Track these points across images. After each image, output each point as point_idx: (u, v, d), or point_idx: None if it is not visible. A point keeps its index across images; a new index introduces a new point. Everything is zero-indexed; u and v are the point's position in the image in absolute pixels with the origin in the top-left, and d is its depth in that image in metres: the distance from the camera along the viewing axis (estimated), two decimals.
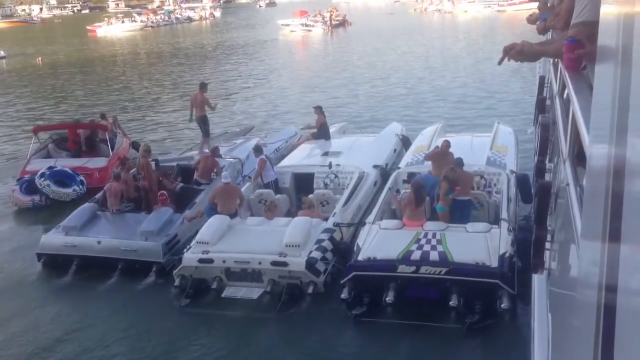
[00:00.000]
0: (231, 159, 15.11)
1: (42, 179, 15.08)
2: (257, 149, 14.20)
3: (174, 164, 15.03)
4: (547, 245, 5.20)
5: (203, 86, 16.94)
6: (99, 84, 37.77)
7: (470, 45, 42.87)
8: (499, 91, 26.42)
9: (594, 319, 1.81)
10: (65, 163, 16.38)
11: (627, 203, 1.55)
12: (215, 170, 13.96)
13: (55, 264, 11.85)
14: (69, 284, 11.42)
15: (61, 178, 15.39)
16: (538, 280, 5.32)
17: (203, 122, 16.74)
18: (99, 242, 11.73)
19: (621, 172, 1.63)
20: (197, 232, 11.32)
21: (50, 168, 15.49)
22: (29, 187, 15.28)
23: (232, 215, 11.85)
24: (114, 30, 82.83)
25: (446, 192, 10.90)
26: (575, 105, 3.79)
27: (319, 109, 17.00)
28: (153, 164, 14.26)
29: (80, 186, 15.43)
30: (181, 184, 13.75)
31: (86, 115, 25.01)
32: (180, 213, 12.48)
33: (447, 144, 12.71)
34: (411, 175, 12.52)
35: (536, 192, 6.57)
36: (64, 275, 11.57)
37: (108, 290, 11.09)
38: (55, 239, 12.03)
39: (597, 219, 1.96)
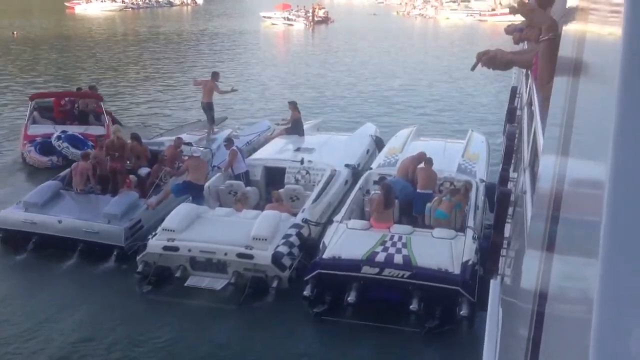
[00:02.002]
0: (201, 149, 14.98)
1: (60, 141, 15.97)
2: (229, 140, 14.11)
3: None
4: (503, 252, 5.30)
5: (215, 75, 17.41)
6: (76, 60, 37.15)
7: (450, 52, 43.15)
8: (477, 98, 26.65)
9: (527, 326, 1.83)
10: (58, 130, 16.64)
11: (564, 215, 1.56)
12: (176, 162, 13.75)
13: (13, 240, 11.62)
14: (26, 262, 11.19)
15: (74, 142, 16.08)
16: (493, 286, 5.42)
17: (209, 109, 17.19)
18: (59, 221, 11.50)
19: (561, 183, 1.66)
20: (161, 219, 11.22)
21: (64, 132, 16.28)
22: (43, 148, 16.13)
23: (200, 188, 12.09)
24: (93, 8, 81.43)
25: (447, 198, 11.02)
26: (537, 116, 3.84)
27: (293, 105, 16.94)
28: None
29: (92, 149, 15.39)
30: (149, 169, 13.54)
31: (60, 89, 24.53)
32: (144, 198, 12.33)
33: (423, 156, 12.70)
34: (382, 177, 12.55)
35: (496, 199, 6.69)
36: (21, 252, 11.35)
37: (66, 271, 10.90)
38: (15, 214, 11.78)
39: (539, 228, 1.99)
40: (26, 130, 17.22)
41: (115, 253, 11.12)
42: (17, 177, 16.03)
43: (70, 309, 9.67)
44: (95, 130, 17.04)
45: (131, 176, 13.04)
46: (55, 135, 16.21)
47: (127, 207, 11.81)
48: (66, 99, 18.95)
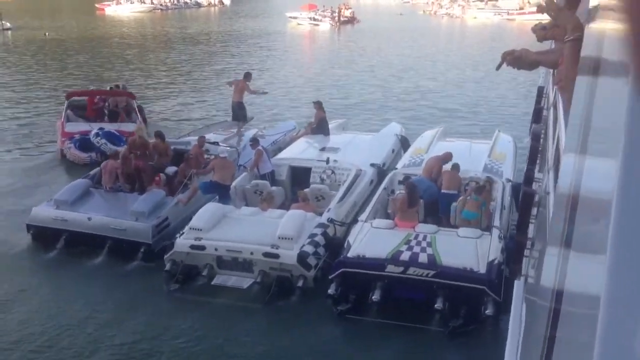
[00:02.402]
0: (227, 147, 15.11)
1: (99, 138, 16.45)
2: (254, 140, 14.21)
3: (171, 147, 14.99)
4: (527, 252, 5.28)
5: (247, 75, 17.80)
6: (106, 60, 37.67)
7: (477, 51, 42.80)
8: (505, 99, 26.40)
9: (545, 325, 1.85)
10: (95, 127, 17.19)
11: (579, 215, 1.57)
12: (201, 161, 13.88)
13: (44, 236, 11.85)
14: (57, 258, 11.43)
15: (111, 138, 16.55)
16: (517, 287, 5.41)
17: (239, 108, 17.51)
18: (89, 219, 11.72)
19: (578, 183, 1.67)
20: (188, 217, 11.37)
21: (101, 129, 16.83)
22: (82, 145, 16.71)
23: (227, 188, 12.17)
24: (123, 10, 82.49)
25: (473, 197, 11.00)
26: (560, 116, 3.82)
27: (318, 104, 16.98)
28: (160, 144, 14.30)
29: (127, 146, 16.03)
30: (176, 168, 13.71)
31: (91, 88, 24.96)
32: (172, 196, 12.48)
33: (449, 156, 12.72)
34: (407, 176, 12.54)
35: (520, 199, 6.66)
36: (52, 249, 11.58)
37: (95, 268, 11.10)
38: (46, 211, 12.02)
39: (558, 228, 1.99)
40: (63, 127, 17.77)
41: (142, 250, 11.28)
42: (57, 173, 16.51)
43: (99, 305, 9.85)
44: (128, 127, 17.51)
45: (160, 174, 13.21)
46: (93, 132, 16.69)
47: (154, 205, 11.98)
48: (98, 97, 19.57)
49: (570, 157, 2.29)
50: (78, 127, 17.79)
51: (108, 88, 21.10)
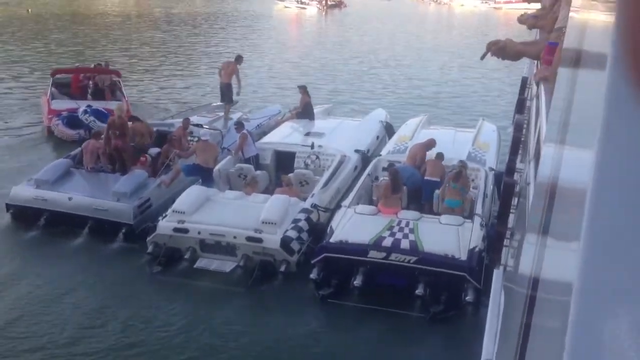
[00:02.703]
0: (211, 130, 15.03)
1: (87, 115, 16.50)
2: (239, 124, 14.15)
3: (154, 129, 14.91)
4: (506, 242, 5.34)
5: (239, 58, 17.67)
6: (90, 39, 37.18)
7: (463, 39, 42.87)
8: (490, 88, 26.50)
9: (521, 312, 1.88)
10: (83, 105, 17.20)
11: (556, 205, 1.59)
12: (184, 143, 13.80)
13: (24, 216, 11.75)
14: (37, 239, 11.35)
15: (99, 116, 16.45)
16: (496, 275, 5.48)
17: (227, 90, 17.37)
18: (70, 199, 11.64)
19: (556, 174, 1.69)
20: (170, 198, 11.38)
21: (89, 106, 16.88)
22: (69, 122, 16.71)
23: (209, 170, 12.16)
24: None
25: (452, 185, 11.04)
26: (542, 107, 3.85)
27: (303, 89, 16.93)
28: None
29: None
30: (158, 149, 13.64)
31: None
32: (154, 177, 12.43)
33: (432, 142, 12.79)
34: (391, 163, 12.57)
35: (501, 190, 6.73)
36: (32, 229, 11.49)
37: (76, 248, 11.04)
38: (26, 191, 11.91)
39: (536, 217, 2.02)
40: (49, 105, 17.73)
41: (123, 231, 11.24)
42: (43, 150, 16.46)
43: (80, 285, 9.80)
44: (114, 105, 16.95)
45: (146, 155, 13.15)
46: (81, 110, 16.75)
47: (136, 185, 11.92)
48: (82, 75, 19.49)
49: (549, 148, 2.31)
50: (64, 104, 17.75)
51: (92, 66, 20.91)
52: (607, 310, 0.90)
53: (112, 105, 17.14)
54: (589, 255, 0.94)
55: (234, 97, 17.67)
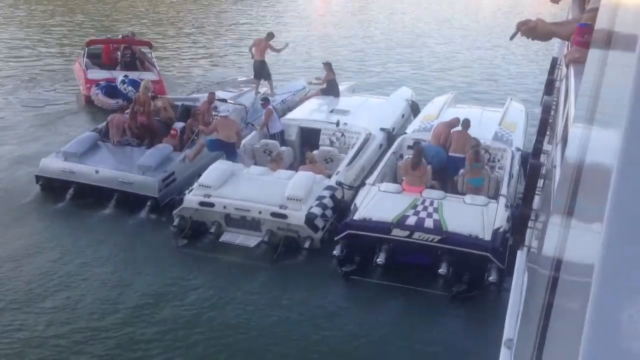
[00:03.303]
0: (236, 105, 15.06)
1: (125, 85, 17.24)
2: (265, 99, 14.15)
3: (180, 103, 15.01)
4: (531, 223, 5.30)
5: (269, 35, 17.83)
6: (115, 10, 37.32)
7: (493, 17, 42.17)
8: (520, 67, 26.04)
9: (544, 292, 1.87)
10: (119, 75, 17.93)
11: (582, 189, 1.57)
12: (208, 118, 13.88)
13: (52, 188, 11.98)
14: (64, 210, 11.57)
15: (136, 85, 16.66)
16: (519, 257, 5.46)
17: (261, 67, 17.54)
18: (97, 171, 11.81)
19: (583, 156, 1.66)
20: (193, 173, 11.57)
21: (126, 76, 17.59)
22: (108, 91, 17.39)
23: (232, 145, 12.24)
24: None
25: (474, 165, 11.00)
26: (571, 89, 3.78)
27: (328, 66, 16.81)
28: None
29: (151, 94, 16.38)
30: (183, 124, 13.75)
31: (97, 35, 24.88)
32: (179, 151, 12.54)
33: (456, 122, 12.68)
34: (416, 141, 12.49)
35: (527, 171, 6.67)
36: (60, 201, 11.71)
37: (102, 220, 11.23)
38: (54, 163, 12.11)
39: (561, 200, 2.00)
40: (85, 74, 18.32)
41: (148, 204, 11.40)
42: (82, 118, 17.11)
43: (105, 258, 9.97)
44: (147, 76, 17.78)
45: (176, 129, 13.27)
46: (119, 80, 17.44)
47: (161, 159, 12.04)
48: (112, 46, 20.15)
49: (577, 130, 2.28)
50: (100, 74, 18.42)
51: (120, 37, 21.36)
52: (627, 292, 0.90)
53: (146, 75, 17.82)
54: (612, 237, 0.93)
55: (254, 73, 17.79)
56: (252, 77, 17.88)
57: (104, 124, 13.44)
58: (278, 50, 18.02)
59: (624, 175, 0.96)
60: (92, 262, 9.80)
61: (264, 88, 17.57)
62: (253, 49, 17.56)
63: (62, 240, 10.56)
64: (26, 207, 11.64)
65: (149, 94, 13.61)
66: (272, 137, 13.28)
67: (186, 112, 14.47)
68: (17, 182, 12.53)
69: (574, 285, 1.30)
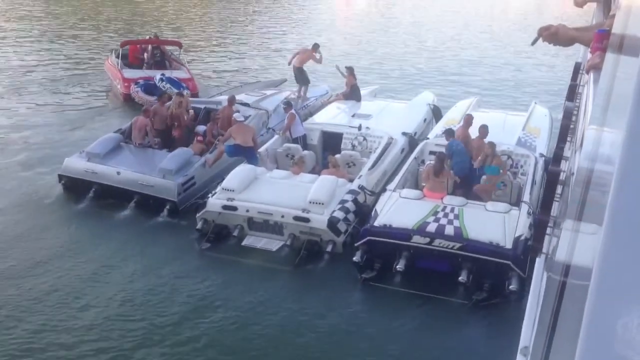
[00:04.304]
0: (258, 110, 15.08)
1: (164, 83, 18.37)
2: (288, 104, 14.17)
3: (202, 106, 15.08)
4: (549, 230, 5.26)
5: (315, 45, 18.00)
6: (140, 13, 37.70)
7: (517, 21, 41.80)
8: (545, 72, 25.75)
9: (554, 298, 1.87)
10: (151, 74, 19.14)
11: (591, 194, 1.57)
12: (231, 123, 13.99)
13: (75, 187, 12.17)
14: (86, 210, 11.76)
15: (173, 83, 18.39)
16: (538, 264, 5.43)
17: (299, 73, 17.91)
18: (118, 173, 11.95)
19: (593, 163, 1.66)
20: (213, 177, 11.76)
21: (163, 74, 18.84)
22: (147, 88, 18.38)
23: (250, 150, 12.29)
24: None
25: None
26: (590, 95, 3.75)
27: (350, 70, 16.81)
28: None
29: (187, 91, 17.84)
30: (204, 127, 13.84)
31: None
32: (200, 155, 12.62)
33: (469, 119, 12.68)
34: (439, 146, 12.39)
35: (546, 178, 6.62)
36: (82, 200, 11.91)
37: (123, 221, 11.37)
38: (77, 163, 12.29)
39: (573, 206, 1.99)
40: (122, 73, 19.22)
41: (167, 207, 11.47)
42: (122, 114, 17.75)
43: (123, 261, 10.04)
44: (178, 74, 19.23)
45: (201, 135, 13.41)
46: (158, 78, 18.57)
47: (181, 163, 12.12)
48: (139, 46, 21.04)
49: (590, 136, 2.27)
50: (136, 73, 19.40)
51: (148, 37, 22.63)
52: (623, 301, 0.91)
53: (177, 73, 19.30)
54: (609, 246, 0.94)
55: (276, 77, 18.01)
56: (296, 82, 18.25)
57: (128, 125, 13.58)
58: (319, 61, 18.09)
59: (623, 180, 0.95)
60: (108, 265, 9.87)
61: (286, 92, 17.61)
62: (296, 57, 17.73)
63: (84, 240, 10.74)
64: (50, 206, 11.88)
65: (187, 108, 13.96)
66: (295, 141, 13.29)
67: (208, 116, 14.55)
68: (43, 181, 12.81)
69: (576, 292, 1.30)
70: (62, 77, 21.44)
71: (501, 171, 11.09)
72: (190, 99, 15.85)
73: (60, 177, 12.32)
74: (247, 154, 12.44)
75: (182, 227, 11.09)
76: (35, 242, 10.51)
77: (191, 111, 14.65)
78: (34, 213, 11.52)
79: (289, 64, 18.04)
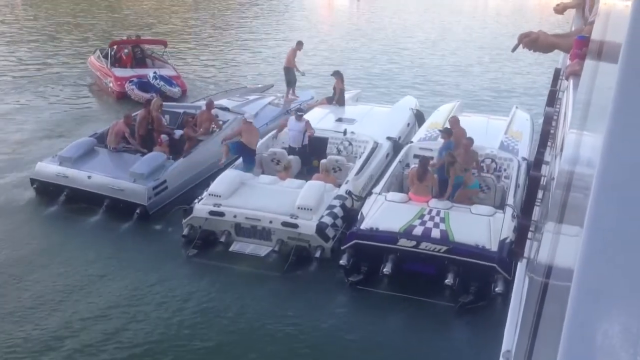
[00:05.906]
0: (237, 114, 14.91)
1: (157, 80, 19.02)
2: (301, 110, 14.05)
3: (181, 111, 15.02)
4: (530, 234, 5.34)
5: (299, 44, 18.44)
6: (123, 17, 37.49)
7: (498, 27, 42.19)
8: (525, 77, 25.98)
9: (536, 300, 1.89)
10: (141, 72, 19.83)
11: (572, 198, 1.59)
12: (213, 124, 14.02)
13: (46, 191, 12.09)
14: (57, 214, 11.70)
15: (164, 81, 19.10)
16: (520, 267, 5.50)
17: (287, 73, 18.31)
18: (89, 177, 11.86)
19: (573, 167, 1.68)
20: (187, 182, 11.99)
21: (155, 72, 19.44)
22: (141, 86, 18.92)
23: (252, 151, 12.28)
24: None
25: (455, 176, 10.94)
26: (569, 101, 3.81)
27: (338, 75, 16.82)
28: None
29: (178, 88, 19.15)
30: (181, 132, 13.80)
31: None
32: (174, 159, 12.54)
33: (455, 119, 12.71)
34: (423, 150, 12.45)
35: (527, 183, 6.70)
36: (53, 204, 11.84)
37: (93, 226, 11.29)
38: (49, 167, 12.20)
39: (554, 209, 2.02)
40: (113, 72, 19.83)
41: (137, 211, 11.38)
42: (117, 110, 17.92)
43: (94, 265, 9.96)
44: (165, 72, 19.97)
45: (162, 136, 13.31)
46: (151, 75, 19.23)
47: (153, 167, 12.03)
48: (117, 47, 21.44)
49: (570, 141, 2.31)
50: (126, 72, 20.04)
51: (125, 37, 23.10)
52: (605, 300, 0.90)
53: (165, 71, 19.91)
54: (588, 251, 0.94)
55: (263, 83, 18.02)
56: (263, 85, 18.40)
57: (105, 129, 13.50)
58: (294, 64, 18.29)
59: (603, 185, 0.97)
60: (85, 268, 9.80)
61: (270, 97, 17.61)
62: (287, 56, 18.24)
63: (54, 244, 10.68)
64: (21, 210, 11.85)
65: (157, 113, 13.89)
66: (292, 149, 13.22)
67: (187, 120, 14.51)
68: (15, 186, 12.76)
69: (558, 294, 1.30)
70: (50, 78, 21.82)
71: (464, 178, 10.98)
72: (169, 103, 15.80)
73: (32, 181, 12.24)
74: (248, 153, 12.40)
75: (155, 232, 11.03)
76: (2, 246, 10.42)
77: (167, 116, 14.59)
78: (3, 217, 11.44)
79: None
